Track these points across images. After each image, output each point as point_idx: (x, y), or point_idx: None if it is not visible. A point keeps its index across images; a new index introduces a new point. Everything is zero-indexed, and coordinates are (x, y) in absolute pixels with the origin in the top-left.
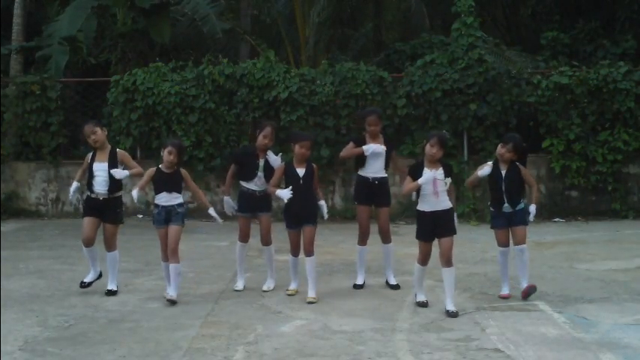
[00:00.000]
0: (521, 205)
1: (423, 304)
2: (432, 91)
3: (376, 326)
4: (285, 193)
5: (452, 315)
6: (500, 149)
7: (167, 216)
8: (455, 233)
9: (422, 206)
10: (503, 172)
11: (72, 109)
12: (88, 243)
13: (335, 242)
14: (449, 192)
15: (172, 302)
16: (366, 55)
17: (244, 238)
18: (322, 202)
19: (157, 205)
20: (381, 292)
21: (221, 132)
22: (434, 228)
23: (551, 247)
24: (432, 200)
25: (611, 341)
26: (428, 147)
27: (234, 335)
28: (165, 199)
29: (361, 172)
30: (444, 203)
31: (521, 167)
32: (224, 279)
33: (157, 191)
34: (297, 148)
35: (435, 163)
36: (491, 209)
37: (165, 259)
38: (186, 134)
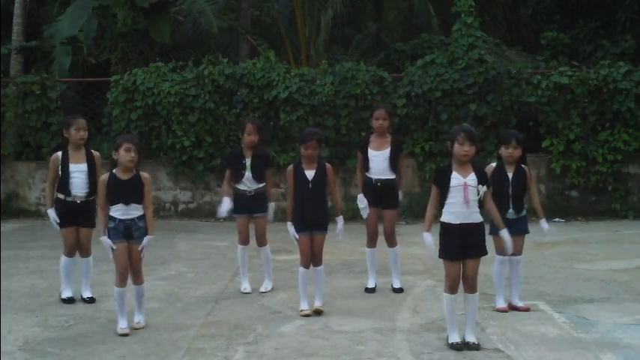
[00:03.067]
0: (524, 212)
1: (458, 347)
2: (432, 91)
3: (376, 326)
4: (292, 231)
5: (473, 347)
6: (506, 150)
7: (127, 230)
8: (485, 254)
9: (448, 217)
10: (510, 175)
11: (72, 109)
12: (73, 253)
13: (335, 242)
14: (487, 204)
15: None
16: (366, 55)
17: (244, 240)
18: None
19: (112, 218)
20: (381, 292)
21: (221, 132)
22: (462, 245)
23: (551, 247)
24: (461, 210)
25: (611, 341)
26: (457, 146)
27: (234, 335)
28: (121, 212)
29: (367, 174)
30: (475, 216)
31: (526, 169)
32: (224, 279)
33: (112, 202)
34: (302, 150)
35: (465, 165)
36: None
37: (121, 284)
38: (186, 134)
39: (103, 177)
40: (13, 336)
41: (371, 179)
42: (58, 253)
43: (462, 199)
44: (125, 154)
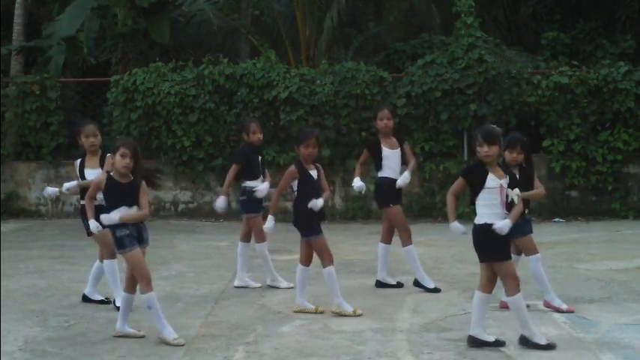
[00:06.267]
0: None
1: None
2: (432, 91)
3: (376, 326)
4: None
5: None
6: (510, 155)
7: (139, 234)
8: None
9: (491, 218)
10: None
11: (72, 109)
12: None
13: (335, 242)
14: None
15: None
16: (367, 55)
17: (264, 237)
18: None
19: (124, 225)
20: (381, 292)
21: (221, 132)
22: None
23: (551, 247)
24: (501, 212)
25: (611, 341)
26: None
27: (234, 335)
28: None
29: (382, 174)
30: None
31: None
32: (224, 279)
33: (114, 206)
34: (302, 149)
35: (496, 167)
36: (528, 214)
37: (150, 287)
38: (186, 134)
39: (101, 177)
40: (13, 336)
41: (392, 179)
42: (58, 253)
43: (500, 199)
44: (120, 160)
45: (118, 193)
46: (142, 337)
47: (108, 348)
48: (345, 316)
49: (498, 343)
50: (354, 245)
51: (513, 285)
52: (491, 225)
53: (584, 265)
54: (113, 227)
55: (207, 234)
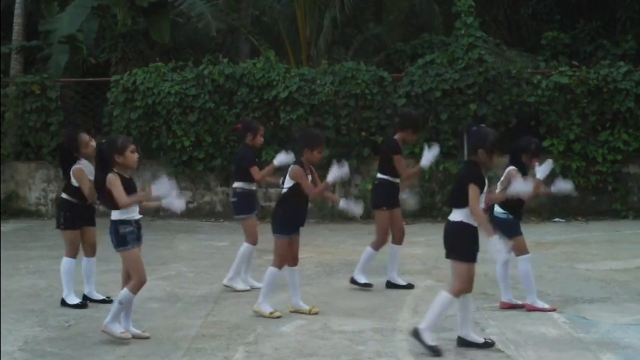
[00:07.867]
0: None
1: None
2: (432, 91)
3: (376, 326)
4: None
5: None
6: (533, 160)
7: (139, 232)
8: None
9: (468, 218)
10: None
11: (72, 109)
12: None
13: (335, 242)
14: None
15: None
16: (367, 55)
17: (256, 240)
18: None
19: (127, 222)
20: (381, 292)
21: (221, 132)
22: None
23: (551, 247)
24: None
25: (611, 341)
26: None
27: (234, 335)
28: (135, 212)
29: (393, 178)
30: None
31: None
32: (224, 279)
33: None
34: (315, 154)
35: None
36: (511, 216)
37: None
38: (186, 134)
39: (116, 177)
40: (13, 336)
41: (397, 183)
42: (58, 254)
43: (484, 202)
44: (132, 156)
45: (130, 190)
46: (147, 338)
47: (108, 348)
48: (302, 312)
49: (487, 345)
50: (354, 245)
51: (461, 288)
52: (467, 224)
53: (584, 265)
54: (116, 224)
55: (207, 234)
